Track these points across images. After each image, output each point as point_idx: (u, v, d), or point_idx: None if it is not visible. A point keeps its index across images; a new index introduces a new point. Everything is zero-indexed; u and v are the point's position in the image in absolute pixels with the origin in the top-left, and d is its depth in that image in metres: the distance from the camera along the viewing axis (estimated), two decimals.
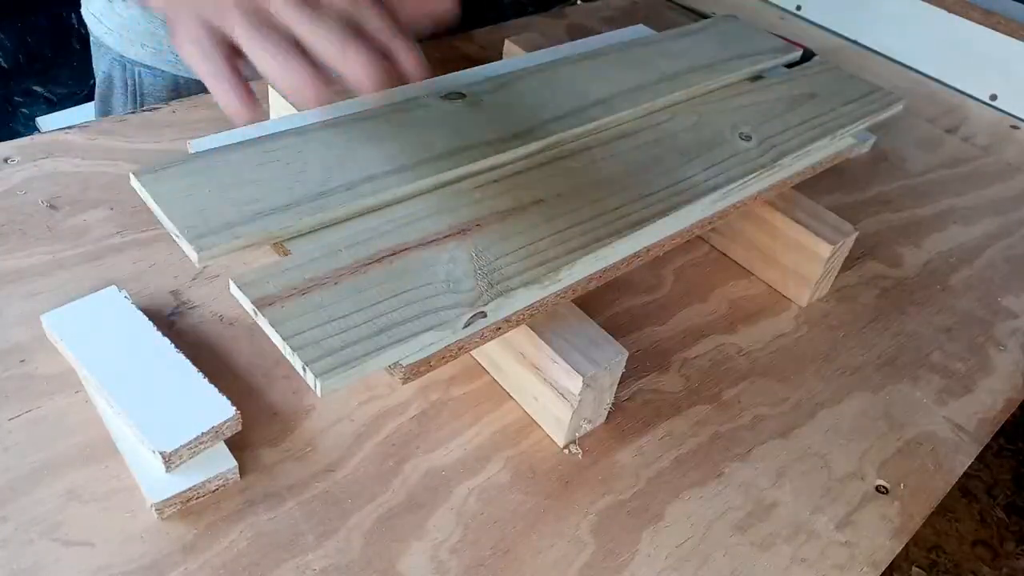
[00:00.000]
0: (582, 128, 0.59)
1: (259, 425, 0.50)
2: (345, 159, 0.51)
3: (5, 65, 1.60)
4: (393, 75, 0.42)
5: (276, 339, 0.40)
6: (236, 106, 0.41)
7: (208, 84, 0.43)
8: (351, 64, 0.41)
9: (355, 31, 0.42)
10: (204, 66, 0.43)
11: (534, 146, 0.56)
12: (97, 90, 0.89)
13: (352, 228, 0.47)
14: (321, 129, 0.53)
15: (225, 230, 0.45)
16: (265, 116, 0.45)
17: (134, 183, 0.47)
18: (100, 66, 0.86)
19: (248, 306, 0.42)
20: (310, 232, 0.47)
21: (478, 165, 0.54)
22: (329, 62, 0.42)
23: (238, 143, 0.51)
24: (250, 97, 0.42)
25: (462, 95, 0.60)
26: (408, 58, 0.42)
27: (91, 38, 0.87)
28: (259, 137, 0.52)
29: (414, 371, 0.45)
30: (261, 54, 0.41)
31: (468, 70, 0.66)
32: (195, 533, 0.45)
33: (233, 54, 0.43)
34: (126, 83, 0.84)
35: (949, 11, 1.02)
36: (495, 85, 0.62)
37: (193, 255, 0.44)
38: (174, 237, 0.45)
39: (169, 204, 0.46)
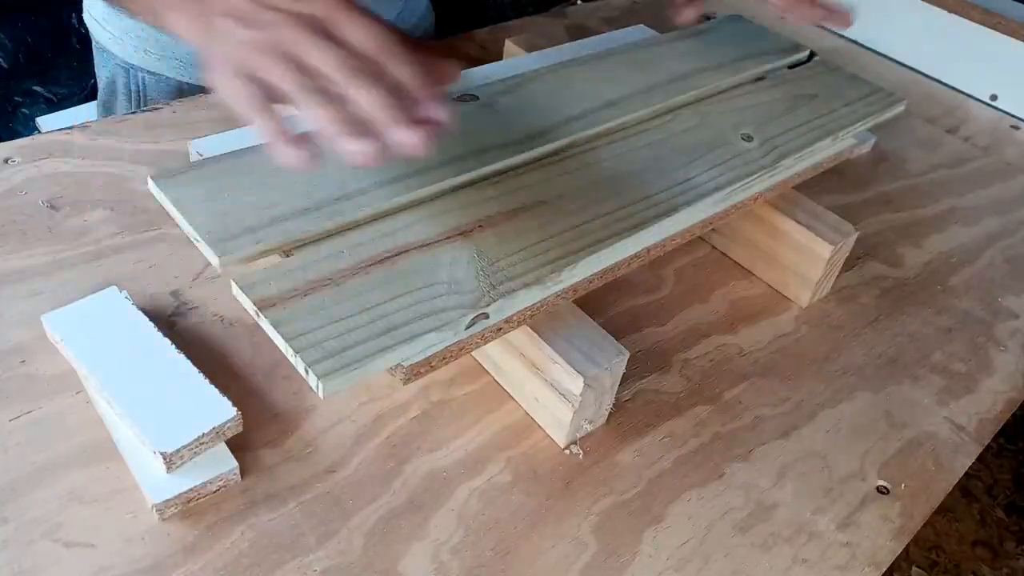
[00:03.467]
0: (595, 130, 0.59)
1: (260, 426, 0.50)
2: None
3: (5, 65, 1.60)
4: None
5: (278, 341, 0.40)
6: (293, 158, 0.42)
7: (260, 131, 0.43)
8: (392, 136, 0.42)
9: (398, 99, 0.42)
10: (252, 113, 0.43)
11: (549, 147, 0.56)
12: (100, 96, 0.88)
13: (360, 230, 0.47)
14: None
15: (246, 235, 0.45)
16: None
17: (152, 187, 0.47)
18: (103, 72, 0.86)
19: (250, 307, 0.42)
20: (327, 236, 0.47)
21: (494, 167, 0.54)
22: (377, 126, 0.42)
23: (254, 146, 0.51)
24: (303, 143, 0.42)
25: (475, 97, 0.60)
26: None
27: (93, 43, 0.87)
28: None
29: (415, 372, 0.45)
30: (316, 117, 0.42)
31: (476, 69, 0.66)
32: (196, 534, 0.45)
33: (276, 98, 0.43)
34: (130, 89, 0.84)
35: (949, 11, 1.02)
36: (508, 86, 0.62)
37: (214, 260, 0.43)
38: (195, 242, 0.45)
39: (189, 208, 0.46)
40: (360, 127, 0.41)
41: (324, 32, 0.43)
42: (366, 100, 0.41)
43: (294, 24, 0.43)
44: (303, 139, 0.42)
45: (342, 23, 0.43)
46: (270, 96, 0.42)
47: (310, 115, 0.41)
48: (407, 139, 0.41)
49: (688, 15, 0.69)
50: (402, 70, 0.43)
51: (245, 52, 0.43)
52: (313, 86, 0.42)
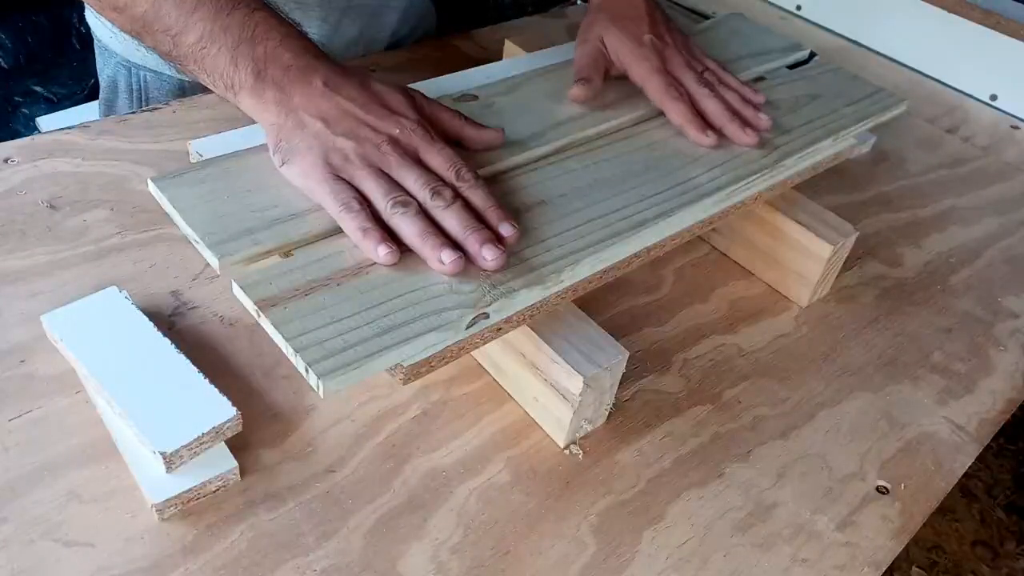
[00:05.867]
0: (595, 130, 0.59)
1: (260, 425, 0.50)
2: None
3: (5, 65, 1.60)
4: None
5: (279, 340, 0.40)
6: (384, 255, 0.45)
7: (345, 227, 0.46)
8: (471, 251, 0.46)
9: (474, 218, 0.47)
10: (343, 211, 0.46)
11: (549, 147, 0.56)
12: (101, 94, 0.88)
13: None
14: None
15: (245, 236, 0.45)
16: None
17: (152, 189, 0.47)
18: (104, 70, 0.86)
19: (251, 307, 0.42)
20: (327, 237, 0.47)
21: (494, 167, 0.54)
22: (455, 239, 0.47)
23: (255, 147, 0.51)
24: (391, 242, 0.45)
25: (475, 97, 0.60)
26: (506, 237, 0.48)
27: (95, 41, 0.87)
28: None
29: (415, 372, 0.45)
30: (404, 228, 0.46)
31: (476, 68, 0.66)
32: (195, 534, 0.45)
33: (363, 200, 0.47)
34: (131, 87, 0.84)
35: (949, 11, 1.02)
36: (507, 87, 0.62)
37: (214, 261, 0.44)
38: (194, 244, 0.45)
39: (188, 210, 0.46)
40: (443, 240, 0.45)
41: (411, 155, 0.49)
42: (448, 219, 0.46)
43: (385, 143, 0.48)
44: (389, 238, 0.45)
45: (424, 148, 0.49)
46: (357, 200, 0.46)
47: (398, 226, 0.46)
48: (487, 254, 0.45)
49: (579, 92, 0.61)
50: (475, 193, 0.48)
51: (338, 158, 0.48)
52: (402, 200, 0.46)
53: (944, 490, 0.55)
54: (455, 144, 0.53)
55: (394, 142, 0.49)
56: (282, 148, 0.48)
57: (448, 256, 0.44)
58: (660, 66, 0.62)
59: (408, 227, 0.45)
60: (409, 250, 0.46)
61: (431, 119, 0.53)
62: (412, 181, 0.47)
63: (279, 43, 0.51)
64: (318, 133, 0.48)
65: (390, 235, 0.46)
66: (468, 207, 0.47)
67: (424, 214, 0.46)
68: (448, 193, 0.47)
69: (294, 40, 0.52)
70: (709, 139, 0.58)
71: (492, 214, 0.47)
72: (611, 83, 0.64)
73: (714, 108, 0.60)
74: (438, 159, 0.49)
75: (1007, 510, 1.56)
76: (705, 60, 0.66)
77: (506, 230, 0.47)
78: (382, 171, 0.48)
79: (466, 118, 0.54)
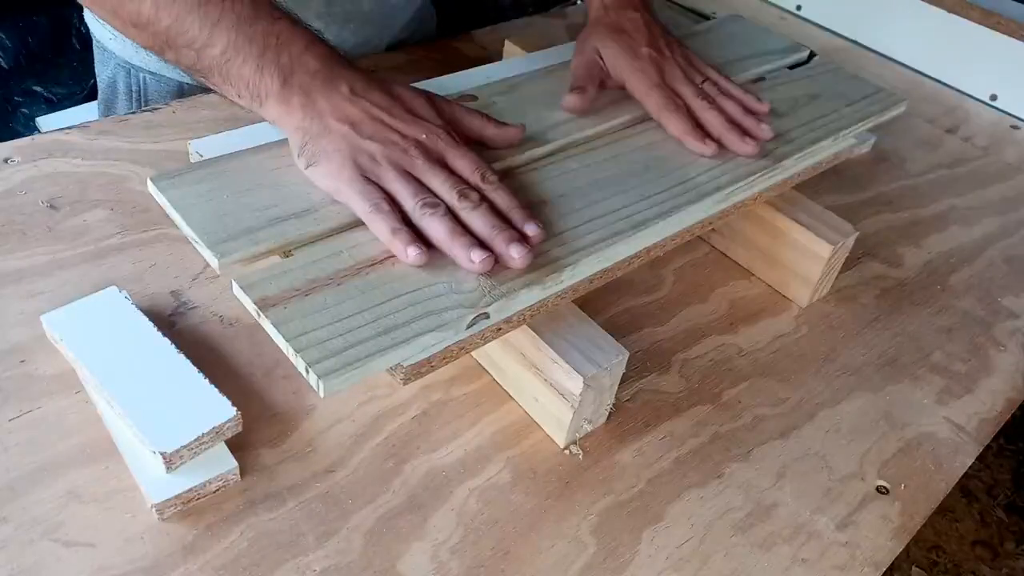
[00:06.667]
0: (595, 130, 0.59)
1: (259, 425, 0.50)
2: None
3: (5, 65, 1.60)
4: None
5: (279, 340, 0.40)
6: (414, 257, 0.46)
7: (374, 227, 0.47)
8: (498, 250, 0.47)
9: (500, 219, 0.48)
10: (375, 213, 0.47)
11: (549, 147, 0.56)
12: (100, 96, 0.88)
13: (360, 230, 0.48)
14: None
15: (244, 236, 0.45)
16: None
17: (151, 188, 0.47)
18: (104, 72, 0.86)
19: (251, 307, 0.42)
20: (327, 236, 0.47)
21: (493, 167, 0.53)
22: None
23: (254, 147, 0.51)
24: (420, 242, 0.46)
25: (475, 97, 0.60)
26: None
27: (94, 42, 0.87)
28: (275, 141, 0.52)
29: (415, 372, 0.45)
30: (430, 228, 0.47)
31: (476, 69, 0.66)
32: (195, 534, 0.45)
33: (391, 201, 0.48)
34: (130, 89, 0.84)
35: (949, 11, 1.02)
36: (507, 87, 0.62)
37: (213, 261, 0.44)
38: (193, 243, 0.45)
39: (187, 209, 0.46)
40: (472, 240, 0.46)
41: (437, 158, 0.50)
42: (476, 220, 0.47)
43: (412, 146, 0.49)
44: (418, 239, 0.46)
45: (449, 152, 0.50)
46: (386, 200, 0.47)
47: (427, 226, 0.47)
48: (515, 253, 0.46)
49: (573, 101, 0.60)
50: (499, 194, 0.49)
51: (366, 160, 0.48)
52: (431, 201, 0.47)
53: (944, 490, 0.55)
54: (475, 144, 0.54)
55: (420, 145, 0.49)
56: (307, 150, 0.49)
57: (478, 255, 0.45)
58: (658, 80, 0.62)
59: (437, 228, 0.46)
60: (436, 250, 0.46)
61: (452, 121, 0.53)
62: (439, 183, 0.48)
63: (304, 50, 0.51)
64: (345, 136, 0.49)
65: (417, 236, 0.46)
66: (493, 208, 0.48)
67: (451, 215, 0.47)
68: (474, 195, 0.48)
69: (318, 47, 0.52)
70: (709, 148, 0.58)
71: (516, 214, 0.48)
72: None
73: (713, 120, 0.60)
74: (463, 162, 0.50)
75: (1007, 510, 1.56)
76: (705, 70, 0.65)
77: (531, 229, 0.48)
78: (409, 173, 0.48)
79: (487, 117, 0.55)
